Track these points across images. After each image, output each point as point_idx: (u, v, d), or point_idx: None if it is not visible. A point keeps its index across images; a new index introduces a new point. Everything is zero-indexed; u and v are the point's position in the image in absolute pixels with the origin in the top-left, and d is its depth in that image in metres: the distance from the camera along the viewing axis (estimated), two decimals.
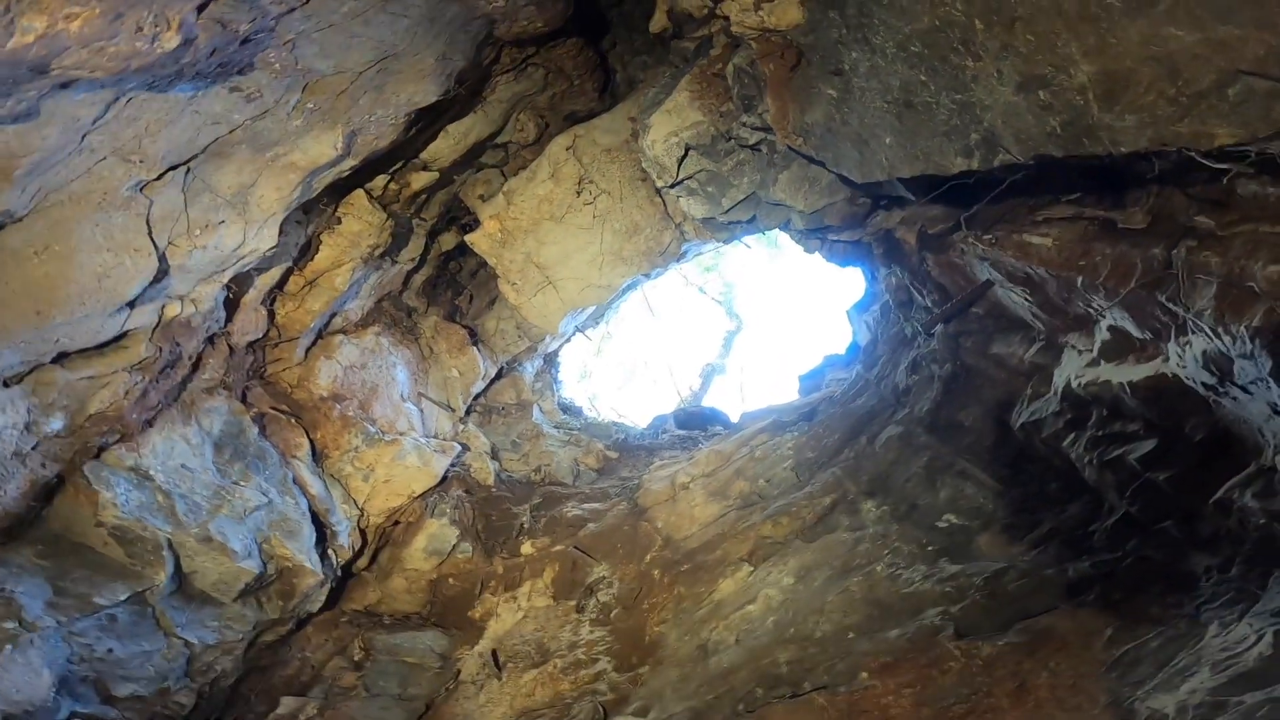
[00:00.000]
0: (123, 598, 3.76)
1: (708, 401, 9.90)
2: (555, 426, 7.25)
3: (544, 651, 4.19)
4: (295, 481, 4.90)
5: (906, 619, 2.88)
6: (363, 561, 5.31)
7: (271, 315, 5.09)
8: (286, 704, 4.31)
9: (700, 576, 4.20)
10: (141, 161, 2.93)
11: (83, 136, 2.62)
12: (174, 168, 3.15)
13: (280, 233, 4.19)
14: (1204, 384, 2.21)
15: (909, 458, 3.97)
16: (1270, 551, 2.05)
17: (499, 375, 7.31)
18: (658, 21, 4.09)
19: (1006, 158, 2.17)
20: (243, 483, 4.53)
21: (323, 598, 4.68)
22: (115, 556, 3.86)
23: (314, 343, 5.75)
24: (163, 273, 3.50)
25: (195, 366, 4.54)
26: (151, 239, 3.31)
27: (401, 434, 5.72)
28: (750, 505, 4.64)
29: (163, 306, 3.79)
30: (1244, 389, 2.06)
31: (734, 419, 7.29)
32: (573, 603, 4.53)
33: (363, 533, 5.25)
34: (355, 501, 5.27)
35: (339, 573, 4.86)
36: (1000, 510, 3.23)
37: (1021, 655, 2.37)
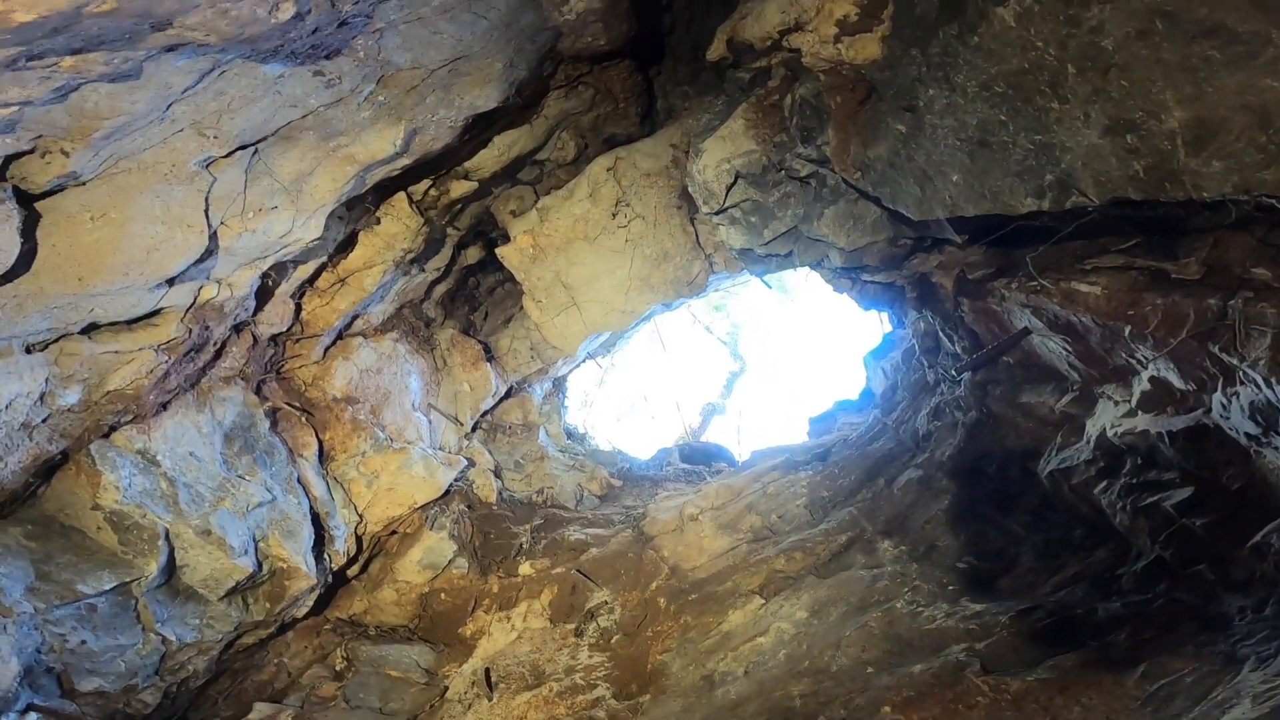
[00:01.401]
0: (108, 587, 3.62)
1: (712, 436, 9.87)
2: (560, 450, 7.20)
3: (539, 674, 4.05)
4: (300, 481, 4.82)
5: (929, 654, 2.82)
6: (354, 569, 5.17)
7: (298, 309, 5.08)
8: (260, 710, 4.13)
9: (709, 607, 4.11)
10: (216, 137, 2.98)
11: (168, 105, 2.66)
12: (243, 147, 3.19)
13: (325, 225, 4.19)
14: (1247, 434, 2.25)
15: (928, 501, 3.97)
16: None
17: (508, 394, 7.30)
18: (716, 50, 4.21)
19: (1079, 200, 2.22)
20: (248, 477, 4.44)
21: (311, 603, 4.54)
22: (107, 543, 3.73)
23: (334, 342, 5.74)
24: (209, 252, 3.50)
25: (219, 353, 4.50)
26: (206, 217, 3.32)
27: (410, 443, 5.66)
28: (762, 539, 4.59)
29: (200, 287, 3.77)
30: None
31: (738, 457, 7.27)
32: (571, 626, 4.41)
33: (358, 539, 5.14)
34: (355, 507, 5.17)
35: (330, 578, 4.73)
36: (1023, 554, 3.21)
37: (1052, 691, 2.33)
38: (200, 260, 3.48)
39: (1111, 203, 2.16)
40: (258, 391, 5.07)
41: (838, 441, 5.44)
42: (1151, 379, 2.69)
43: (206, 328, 4.13)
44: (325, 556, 4.64)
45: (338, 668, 4.13)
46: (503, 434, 7.26)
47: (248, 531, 4.19)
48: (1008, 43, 2.25)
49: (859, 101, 3.02)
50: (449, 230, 6.21)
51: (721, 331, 11.66)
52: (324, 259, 4.85)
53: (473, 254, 6.78)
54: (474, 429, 7.02)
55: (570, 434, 7.98)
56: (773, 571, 4.15)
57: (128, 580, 3.71)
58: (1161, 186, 1.99)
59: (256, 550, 4.22)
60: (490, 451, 6.86)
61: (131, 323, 3.62)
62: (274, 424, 4.92)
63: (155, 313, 3.67)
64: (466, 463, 5.97)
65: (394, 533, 5.39)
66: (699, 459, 7.22)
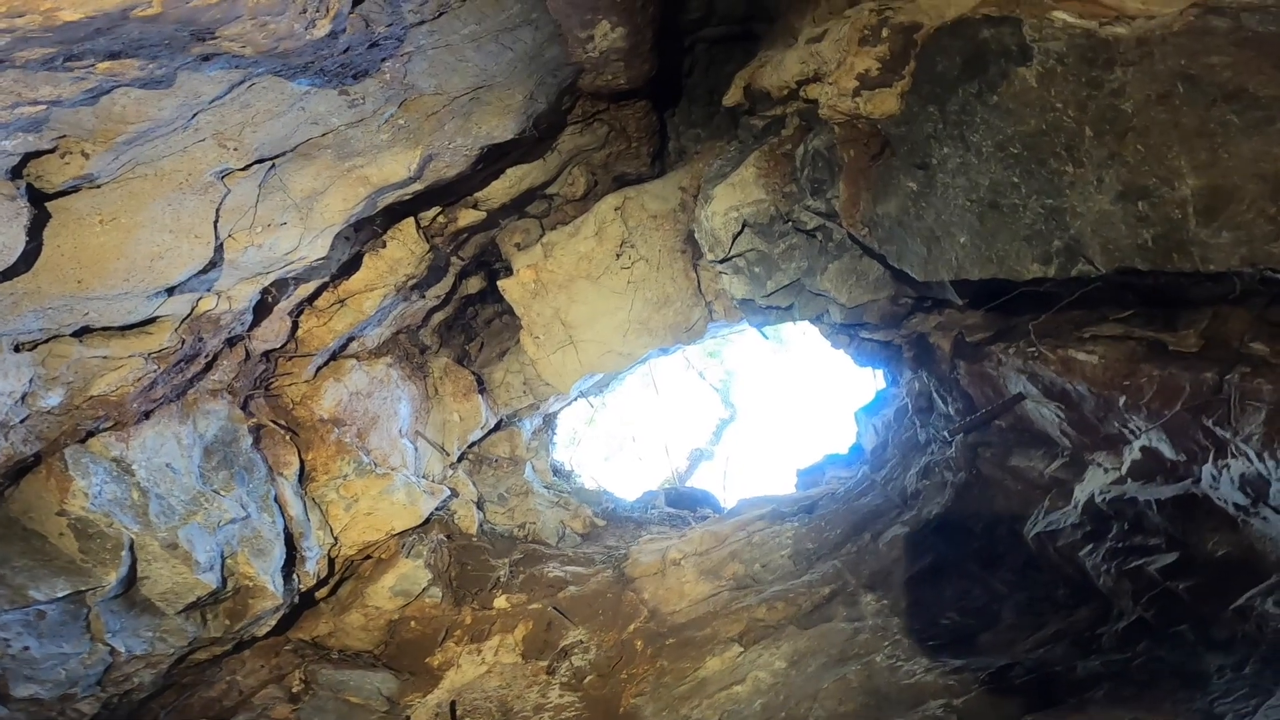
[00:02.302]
0: (61, 594, 3.51)
1: (698, 482, 9.79)
2: (545, 487, 7.11)
3: (506, 710, 3.91)
4: (277, 500, 4.72)
5: (907, 709, 2.76)
6: (323, 591, 5.01)
7: (295, 327, 5.06)
8: None
9: (686, 652, 4.01)
10: (236, 149, 3.02)
11: (194, 114, 2.71)
12: (261, 161, 3.23)
13: (331, 246, 4.21)
14: (1235, 504, 2.27)
15: (913, 557, 3.93)
16: None
17: (497, 427, 7.25)
18: (732, 96, 4.30)
19: (1085, 268, 2.24)
20: (224, 492, 4.35)
21: (274, 622, 4.37)
22: (67, 550, 3.61)
23: (327, 362, 5.72)
24: (213, 264, 3.49)
25: (209, 366, 4.46)
26: (215, 228, 3.32)
27: (394, 469, 5.59)
28: (744, 588, 4.51)
29: (199, 298, 3.75)
30: (1277, 510, 2.12)
31: (724, 504, 7.20)
32: (544, 663, 4.27)
33: (331, 562, 5.01)
34: (331, 529, 5.06)
35: (297, 599, 4.57)
36: (1005, 612, 3.18)
37: None
38: (203, 271, 3.47)
39: (1116, 272, 2.18)
40: (244, 407, 5.02)
41: (825, 495, 5.41)
42: (1143, 449, 2.72)
43: (200, 339, 4.10)
44: (294, 577, 4.51)
45: (294, 689, 3.96)
46: (488, 466, 7.18)
47: (217, 547, 4.07)
48: (1027, 103, 2.28)
49: (872, 156, 3.07)
50: (453, 259, 6.25)
51: (714, 378, 11.71)
52: (326, 279, 4.85)
53: (474, 284, 6.83)
54: (460, 459, 6.95)
55: (557, 471, 7.90)
56: (753, 620, 4.06)
57: (83, 589, 3.58)
58: (1169, 257, 2.00)
59: (223, 567, 4.10)
60: (474, 483, 6.77)
61: (125, 329, 3.59)
62: (257, 440, 4.86)
63: (151, 320, 3.63)
64: (449, 492, 5.89)
65: (368, 557, 5.26)
66: (684, 504, 7.14)
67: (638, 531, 6.44)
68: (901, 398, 5.12)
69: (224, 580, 4.05)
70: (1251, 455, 2.16)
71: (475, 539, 5.75)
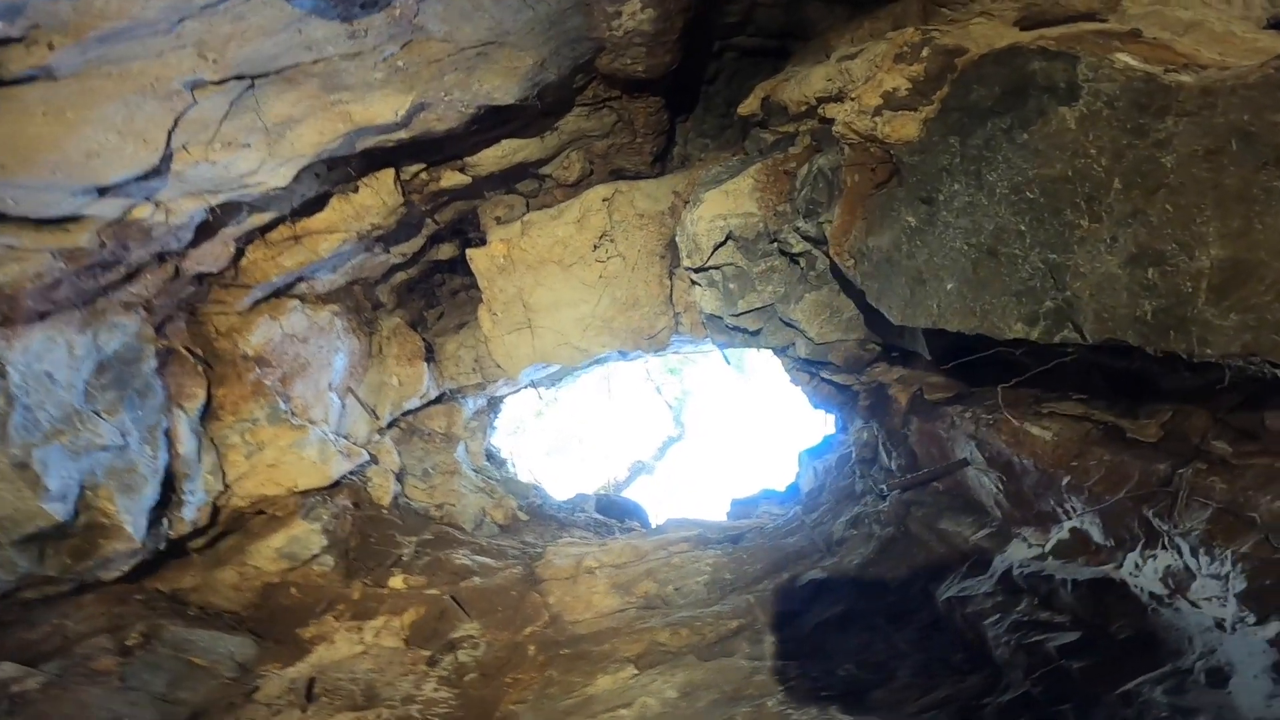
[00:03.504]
0: None
1: (632, 494, 9.61)
2: (474, 470, 6.84)
3: (371, 696, 3.63)
4: (167, 433, 4.32)
5: None
6: (199, 542, 4.60)
7: (239, 255, 4.74)
8: (3, 669, 3.48)
9: (579, 665, 3.80)
10: (215, 62, 2.81)
11: (181, 19, 2.50)
12: (240, 78, 3.02)
13: (296, 178, 4.01)
14: (1152, 594, 2.23)
15: (826, 604, 3.83)
16: None
17: (438, 400, 6.96)
18: (749, 105, 4.15)
19: (1070, 335, 2.11)
20: (106, 415, 3.94)
21: (127, 568, 3.94)
22: None
23: (266, 298, 5.38)
24: (156, 172, 3.27)
25: (129, 277, 4.11)
26: (169, 137, 3.10)
27: (312, 422, 5.26)
28: (653, 608, 4.34)
29: (133, 205, 3.49)
30: (1193, 603, 2.08)
31: (653, 520, 7.03)
32: (426, 653, 4.01)
33: (215, 511, 4.62)
34: (224, 475, 4.68)
35: (163, 546, 4.15)
36: (902, 670, 3.10)
37: None
38: (144, 177, 3.23)
39: (1101, 344, 2.07)
40: (160, 328, 4.65)
41: (753, 528, 5.30)
42: (1072, 530, 2.67)
43: (125, 247, 3.79)
44: (165, 521, 4.12)
45: (129, 643, 3.59)
46: (420, 438, 6.87)
47: (77, 475, 3.66)
48: (1060, 145, 2.16)
49: (876, 184, 2.93)
50: (429, 220, 5.99)
51: (670, 395, 11.60)
52: (285, 212, 4.56)
53: (446, 250, 6.57)
54: (390, 426, 6.63)
55: (491, 456, 7.62)
56: (654, 643, 3.89)
57: None
58: (1165, 335, 1.88)
59: (80, 498, 3.68)
60: (400, 453, 6.46)
61: (42, 222, 3.30)
62: (163, 365, 4.48)
63: (73, 219, 3.36)
64: (368, 458, 5.58)
65: (261, 513, 4.90)
66: (614, 513, 6.95)
67: (560, 532, 6.22)
68: (848, 445, 5.06)
69: (75, 513, 3.64)
70: (1185, 549, 2.12)
71: (386, 511, 5.44)
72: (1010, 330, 2.32)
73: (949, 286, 2.55)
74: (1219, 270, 1.81)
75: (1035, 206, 2.24)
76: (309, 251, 5.17)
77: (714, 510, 7.21)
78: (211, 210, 3.97)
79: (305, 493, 5.02)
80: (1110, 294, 2.03)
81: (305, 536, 4.73)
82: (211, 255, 4.45)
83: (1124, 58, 2.02)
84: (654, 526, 6.70)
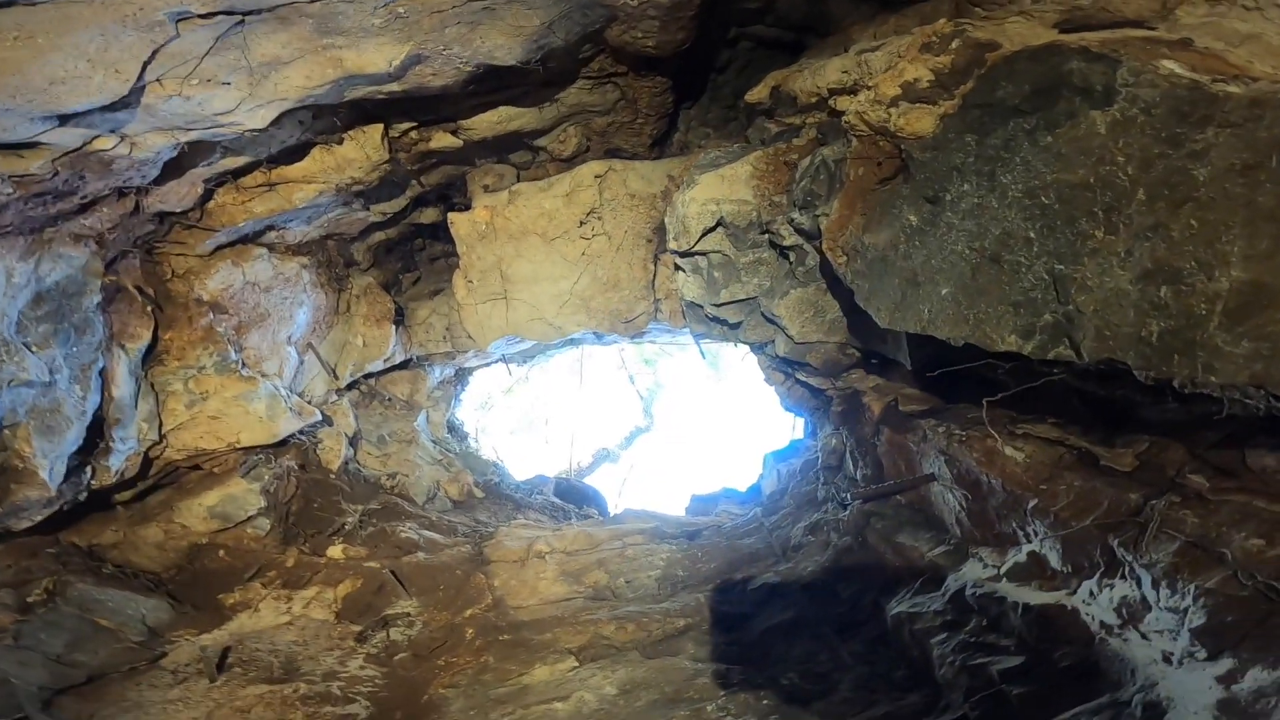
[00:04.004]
0: None
1: (593, 481, 9.49)
2: (433, 441, 6.63)
3: (291, 670, 3.45)
4: (103, 373, 4.05)
5: None
6: (126, 494, 4.35)
7: (207, 197, 4.53)
8: None
9: (517, 653, 3.67)
10: None
11: None
12: (229, 13, 2.84)
13: (277, 123, 3.82)
14: (1103, 623, 2.17)
15: (776, 609, 3.75)
16: None
17: (404, 365, 6.74)
18: (757, 93, 3.98)
19: (1064, 353, 2.01)
20: (36, 348, 3.67)
21: (38, 518, 3.64)
22: None
23: (232, 244, 5.14)
24: (124, 104, 3.10)
25: (84, 209, 3.90)
26: (143, 69, 2.93)
27: (265, 375, 5.02)
28: (601, 600, 4.22)
29: (95, 136, 3.32)
30: (1144, 635, 2.03)
31: (612, 509, 6.92)
32: (357, 628, 3.84)
33: (147, 462, 4.36)
34: (161, 424, 4.41)
35: (84, 496, 3.87)
36: (845, 683, 3.03)
37: None
38: (109, 108, 3.07)
39: (1096, 365, 1.95)
40: (111, 263, 4.40)
41: (710, 526, 5.21)
42: (1030, 553, 2.61)
43: (82, 178, 3.59)
44: (88, 470, 3.85)
45: (30, 599, 3.35)
46: (380, 403, 6.65)
47: None
48: (1085, 150, 2.03)
49: (880, 180, 2.78)
50: (415, 182, 5.79)
51: (643, 385, 11.48)
52: (261, 157, 4.38)
53: (430, 214, 6.37)
54: (350, 387, 6.40)
55: (454, 428, 7.43)
56: (598, 636, 3.77)
57: None
58: (1168, 358, 1.77)
59: None
60: (357, 417, 6.23)
61: None
62: (107, 301, 4.22)
63: (28, 145, 3.18)
64: (320, 418, 5.35)
65: (198, 468, 4.65)
66: (573, 498, 6.82)
67: (515, 513, 6.07)
68: (815, 451, 4.98)
69: None
70: (1146, 580, 2.05)
71: (334, 476, 5.23)
72: (1003, 342, 2.21)
73: (944, 291, 2.44)
74: (1237, 293, 1.70)
75: (1048, 213, 2.12)
76: (283, 199, 4.98)
77: (675, 504, 7.12)
78: (181, 148, 3.79)
79: (248, 449, 4.78)
80: (1116, 311, 1.92)
81: (242, 496, 4.50)
82: (177, 194, 4.26)
83: (1170, 65, 1.89)
84: (612, 515, 6.59)
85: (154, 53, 2.86)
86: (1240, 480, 2.05)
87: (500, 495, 6.33)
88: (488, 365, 7.86)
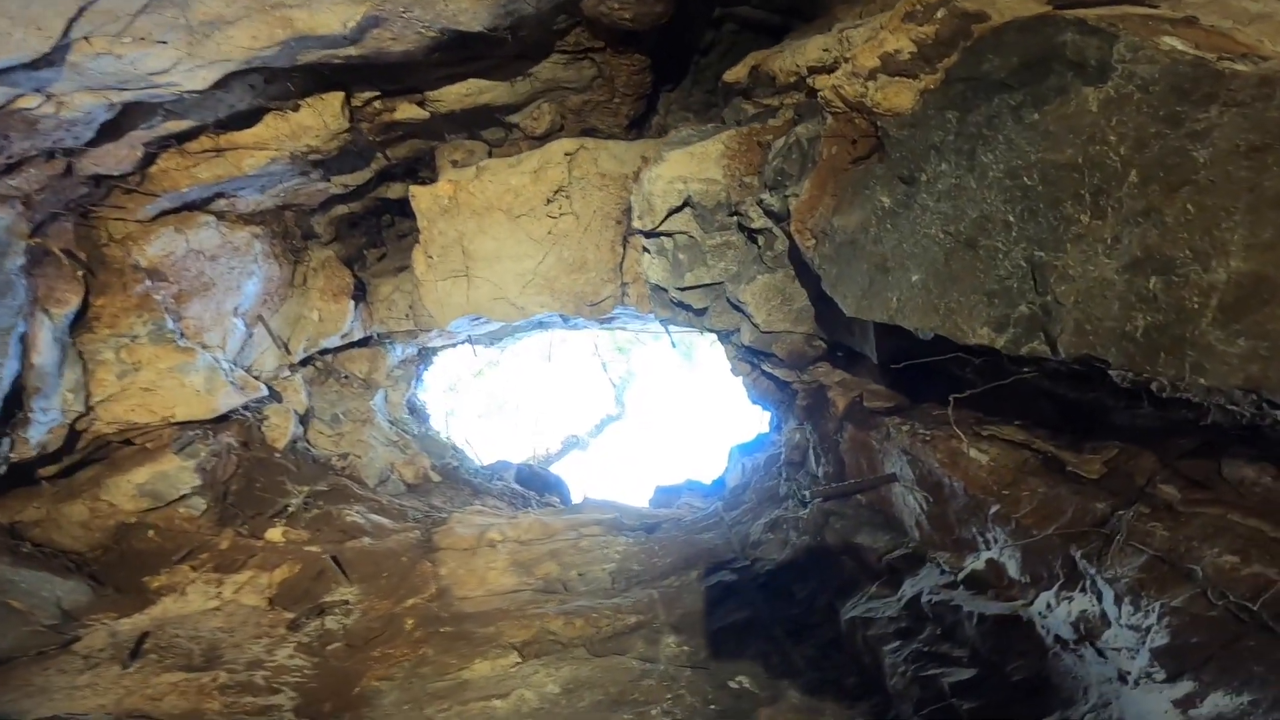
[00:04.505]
0: None
1: (559, 469, 9.32)
2: (390, 421, 6.40)
3: (212, 658, 3.25)
4: (23, 339, 3.78)
5: None
6: (51, 469, 4.08)
7: (149, 161, 4.31)
8: None
9: (457, 647, 3.50)
10: None
11: None
12: None
13: (223, 86, 3.66)
14: (1058, 636, 2.07)
15: (730, 608, 3.63)
16: None
17: (364, 342, 6.48)
18: (736, 73, 3.82)
19: (1038, 348, 1.85)
20: None
21: None
22: None
23: (176, 210, 4.87)
24: (48, 62, 2.95)
25: (9, 169, 3.72)
26: (69, 26, 2.78)
27: (205, 347, 4.74)
28: (551, 592, 4.06)
29: (17, 94, 3.17)
30: (1100, 652, 1.93)
31: (578, 497, 6.75)
32: (290, 616, 3.64)
33: (74, 435, 4.08)
34: (89, 395, 4.13)
35: (2, 470, 3.63)
36: (794, 690, 2.92)
37: None
38: (30, 66, 2.93)
39: (1073, 362, 1.79)
40: (40, 225, 4.13)
41: (671, 519, 5.07)
42: (989, 561, 2.50)
43: (6, 137, 3.46)
44: (4, 441, 3.59)
45: None
46: (336, 381, 6.38)
47: None
48: (1075, 129, 1.87)
49: (854, 159, 2.63)
50: (380, 154, 5.55)
51: (615, 373, 11.31)
52: (208, 121, 4.18)
53: (397, 189, 6.14)
54: (305, 363, 6.13)
55: (414, 410, 7.18)
56: (545, 631, 3.61)
57: None
58: (1154, 357, 1.60)
59: None
60: (311, 394, 5.97)
61: None
62: (33, 264, 3.95)
63: None
64: (266, 392, 5.09)
65: (130, 442, 4.38)
66: (535, 484, 6.64)
67: (472, 499, 5.88)
68: (779, 446, 4.86)
69: None
70: (1108, 595, 1.94)
71: (279, 455, 4.98)
72: (973, 335, 2.05)
73: (914, 278, 2.28)
74: (1236, 286, 1.53)
75: (1030, 195, 1.95)
76: (231, 166, 4.73)
77: (642, 494, 6.99)
78: (117, 109, 3.63)
79: (185, 424, 4.52)
80: (1099, 303, 1.75)
81: (175, 474, 4.24)
82: (114, 157, 4.09)
83: (1171, 40, 1.73)
84: (573, 504, 6.43)
85: (80, 9, 2.72)
86: (1214, 492, 1.93)
87: (458, 480, 6.13)
88: (453, 346, 7.62)
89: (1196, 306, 1.57)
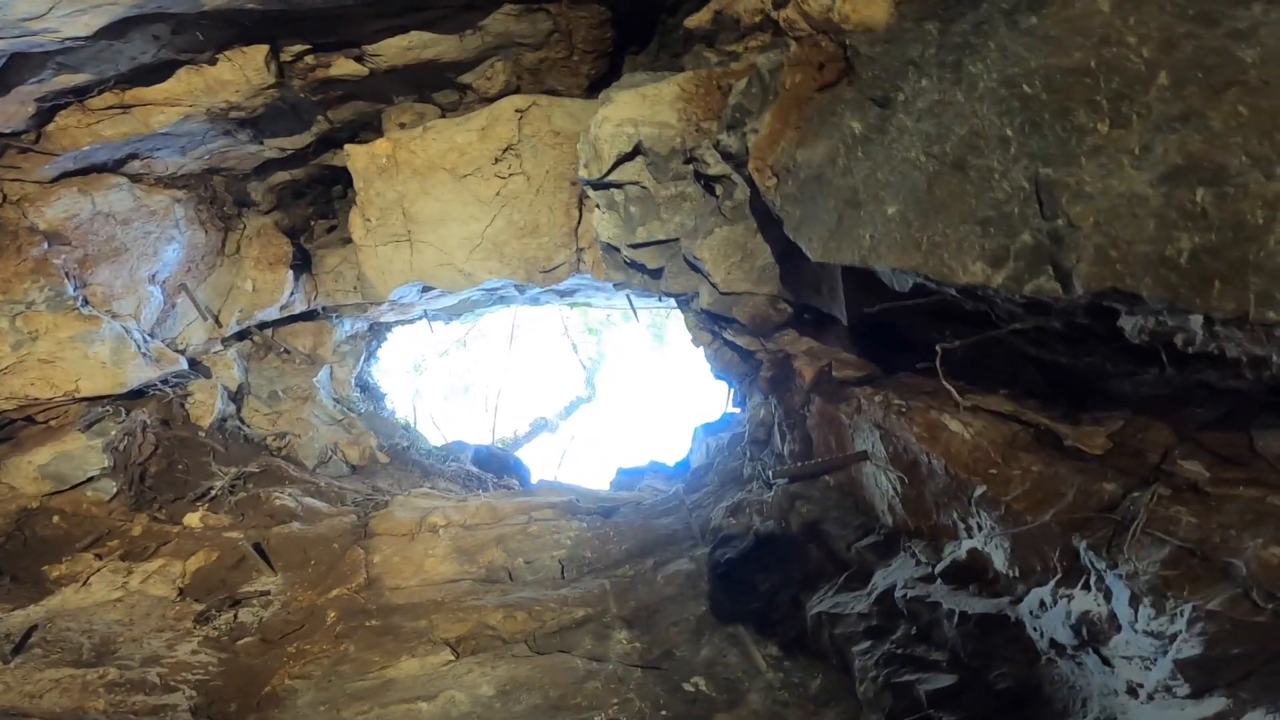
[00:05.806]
0: None
1: (527, 452, 8.98)
2: (335, 399, 5.98)
3: (105, 653, 2.89)
4: None
5: None
6: None
7: (45, 119, 3.99)
8: None
9: (383, 642, 3.17)
10: None
11: None
12: None
13: (120, 36, 3.36)
14: (1053, 641, 1.79)
15: (687, 601, 3.34)
16: None
17: (310, 315, 6.03)
18: (699, 19, 3.46)
19: (1047, 285, 1.49)
20: None
21: None
22: None
23: (82, 170, 4.45)
24: None
25: None
26: None
27: (113, 315, 4.29)
28: (494, 582, 3.74)
29: None
30: (1106, 660, 1.64)
31: (532, 478, 6.42)
32: (200, 607, 3.27)
33: None
34: None
35: None
36: (754, 693, 2.65)
37: None
38: None
39: (1092, 299, 1.43)
40: None
41: (629, 502, 4.77)
42: (971, 551, 2.21)
43: None
44: None
45: None
46: (277, 356, 5.94)
47: None
48: (1082, 30, 1.54)
49: (819, 86, 2.29)
50: (320, 117, 5.13)
51: (585, 355, 10.96)
52: (108, 75, 3.84)
53: (344, 156, 5.71)
54: (241, 337, 5.68)
55: (366, 387, 6.76)
56: (483, 625, 3.30)
57: None
58: (1205, 287, 1.26)
59: None
60: (245, 369, 5.53)
61: None
62: None
63: None
64: (185, 365, 4.65)
65: (31, 419, 3.94)
66: (492, 466, 6.29)
67: (422, 481, 5.52)
68: (743, 424, 4.56)
69: None
70: (1121, 595, 1.63)
71: (204, 434, 4.56)
72: (964, 272, 1.67)
73: (890, 211, 1.90)
74: None
75: (1032, 105, 1.60)
76: (139, 123, 4.32)
77: (605, 478, 6.67)
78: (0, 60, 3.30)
79: (93, 400, 4.08)
80: (1127, 224, 1.37)
81: (80, 454, 3.83)
82: (3, 114, 3.80)
83: None
84: (530, 486, 6.09)
85: None
86: (1249, 469, 1.61)
87: (408, 461, 5.76)
88: (409, 322, 7.19)
89: (1260, 221, 1.24)
